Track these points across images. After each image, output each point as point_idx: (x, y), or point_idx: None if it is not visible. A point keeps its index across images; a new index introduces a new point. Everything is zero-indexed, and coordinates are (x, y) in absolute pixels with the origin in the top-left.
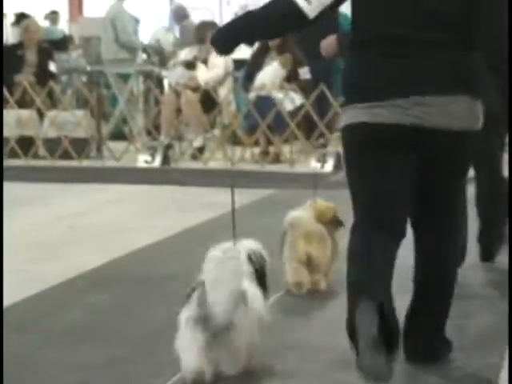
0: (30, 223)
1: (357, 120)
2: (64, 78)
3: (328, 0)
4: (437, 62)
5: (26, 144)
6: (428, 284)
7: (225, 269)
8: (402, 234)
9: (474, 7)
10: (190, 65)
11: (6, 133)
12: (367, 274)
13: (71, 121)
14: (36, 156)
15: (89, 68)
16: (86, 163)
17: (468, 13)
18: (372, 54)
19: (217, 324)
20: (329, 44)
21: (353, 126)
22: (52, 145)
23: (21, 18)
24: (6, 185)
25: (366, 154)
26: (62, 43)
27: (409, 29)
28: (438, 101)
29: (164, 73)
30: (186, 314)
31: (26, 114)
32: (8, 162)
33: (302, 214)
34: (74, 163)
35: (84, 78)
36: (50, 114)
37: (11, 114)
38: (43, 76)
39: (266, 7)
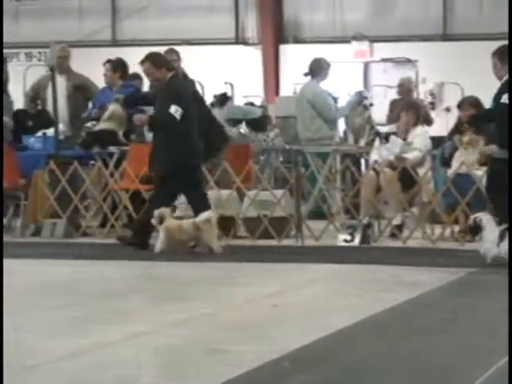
0: (230, 302)
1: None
2: (262, 158)
3: None
4: None
5: (226, 224)
6: None
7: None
8: None
9: None
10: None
11: None
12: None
13: (271, 200)
14: (236, 236)
15: (287, 147)
16: (285, 242)
17: None
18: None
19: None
20: None
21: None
22: (252, 224)
23: (223, 99)
24: (205, 265)
25: None
26: (260, 123)
27: None
28: None
29: (362, 150)
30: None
31: (226, 193)
32: None
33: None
34: (273, 242)
35: (281, 157)
36: (250, 193)
37: (212, 194)
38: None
39: None
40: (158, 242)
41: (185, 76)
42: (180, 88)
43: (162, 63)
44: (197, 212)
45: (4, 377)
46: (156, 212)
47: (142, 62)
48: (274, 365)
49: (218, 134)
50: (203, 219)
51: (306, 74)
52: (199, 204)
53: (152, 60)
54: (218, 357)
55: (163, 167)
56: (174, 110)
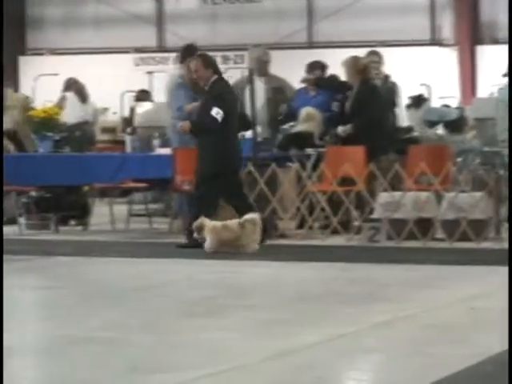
0: (429, 305)
1: None
2: (459, 160)
3: None
4: None
5: (424, 226)
6: None
7: None
8: None
9: None
10: None
11: (404, 215)
12: None
13: (469, 202)
14: (434, 238)
15: (484, 148)
16: (484, 245)
17: None
18: None
19: None
20: None
21: None
22: (450, 226)
23: (419, 100)
24: (401, 267)
25: None
26: (457, 124)
27: None
28: None
29: None
30: None
31: (424, 195)
32: (405, 244)
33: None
34: (471, 245)
35: (479, 159)
36: (449, 195)
37: (409, 196)
38: None
39: None
40: (207, 242)
41: (386, 78)
42: (223, 91)
43: (211, 64)
44: (241, 214)
45: (213, 374)
46: (195, 224)
47: (194, 58)
48: (477, 368)
49: (387, 138)
50: (248, 218)
51: (505, 75)
52: (241, 206)
53: (203, 59)
54: (421, 359)
55: (205, 169)
56: (216, 112)
